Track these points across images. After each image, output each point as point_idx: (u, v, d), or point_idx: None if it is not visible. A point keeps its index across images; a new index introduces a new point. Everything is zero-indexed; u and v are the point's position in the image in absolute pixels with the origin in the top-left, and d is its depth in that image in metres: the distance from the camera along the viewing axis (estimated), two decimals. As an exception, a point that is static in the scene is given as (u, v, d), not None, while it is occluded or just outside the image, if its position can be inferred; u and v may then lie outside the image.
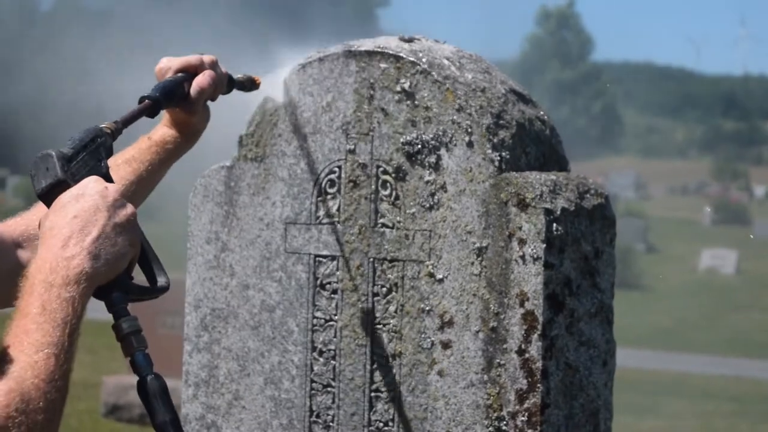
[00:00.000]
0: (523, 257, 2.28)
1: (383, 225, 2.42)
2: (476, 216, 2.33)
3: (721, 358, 17.00)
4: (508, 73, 2.61)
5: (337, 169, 2.47)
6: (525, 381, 2.27)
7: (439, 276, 2.36)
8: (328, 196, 2.48)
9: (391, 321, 2.41)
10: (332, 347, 2.47)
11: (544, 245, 2.27)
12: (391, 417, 2.41)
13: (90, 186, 1.77)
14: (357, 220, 2.45)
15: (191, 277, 2.64)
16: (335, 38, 2.55)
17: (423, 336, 2.37)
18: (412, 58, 2.41)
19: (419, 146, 2.38)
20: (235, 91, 2.39)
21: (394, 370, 2.40)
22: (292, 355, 2.52)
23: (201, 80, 2.21)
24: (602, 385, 2.41)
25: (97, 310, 2.00)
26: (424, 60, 2.40)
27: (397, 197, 2.41)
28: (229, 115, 2.47)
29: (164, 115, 2.28)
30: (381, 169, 2.42)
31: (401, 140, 2.40)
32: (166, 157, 2.28)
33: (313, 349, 2.49)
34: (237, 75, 2.39)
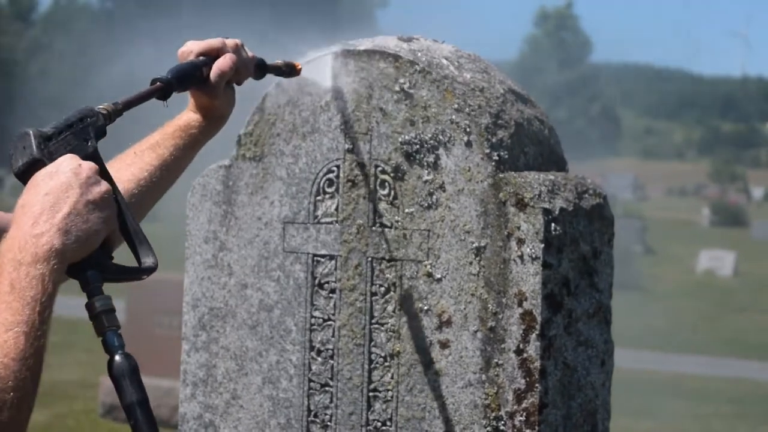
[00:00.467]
0: (521, 257, 2.28)
1: (381, 224, 2.42)
2: (475, 216, 2.33)
3: (719, 359, 17.01)
4: (506, 74, 2.61)
5: (335, 169, 2.47)
6: (523, 381, 2.27)
7: (438, 275, 2.36)
8: (327, 196, 2.48)
9: (390, 320, 2.41)
10: (330, 347, 2.47)
11: (543, 245, 2.27)
12: (389, 416, 2.41)
13: (64, 164, 1.76)
14: (355, 219, 2.44)
15: (189, 277, 2.64)
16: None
17: (421, 336, 2.37)
18: (410, 58, 2.41)
19: (418, 146, 2.38)
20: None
21: (392, 370, 2.40)
22: (290, 354, 2.52)
23: (221, 63, 2.18)
24: (600, 385, 2.41)
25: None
26: (422, 59, 2.40)
27: (395, 197, 2.41)
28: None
29: (189, 100, 2.26)
30: (379, 168, 2.42)
31: (400, 140, 2.40)
32: (192, 142, 2.25)
33: (311, 348, 2.49)
34: (276, 60, 2.34)
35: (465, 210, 2.34)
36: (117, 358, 1.74)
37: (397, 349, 2.40)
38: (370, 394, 2.43)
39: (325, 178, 2.48)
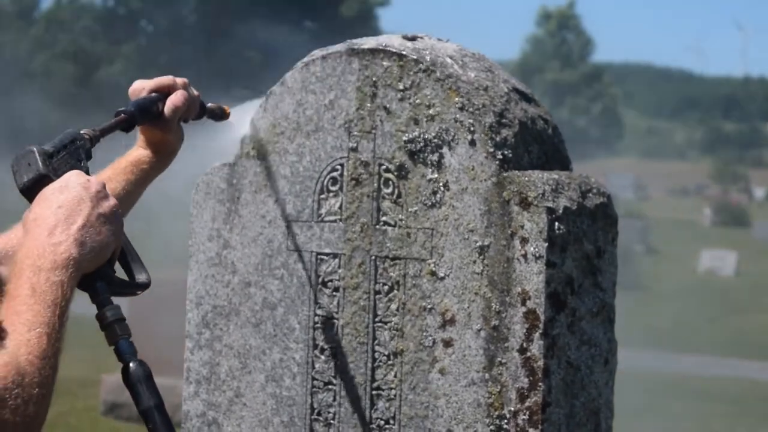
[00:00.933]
0: (525, 256, 2.28)
1: (385, 223, 2.42)
2: (478, 214, 2.33)
3: (721, 359, 17.00)
4: (509, 73, 2.61)
5: (339, 167, 2.47)
6: (526, 380, 2.27)
7: (441, 274, 2.36)
8: (330, 194, 2.48)
9: (393, 319, 2.41)
10: (334, 345, 2.47)
11: (546, 244, 2.27)
12: (392, 415, 2.41)
13: (72, 179, 1.83)
14: (359, 218, 2.45)
15: (193, 275, 2.64)
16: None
17: (424, 334, 2.37)
18: (414, 57, 2.41)
19: (422, 144, 2.38)
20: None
21: (396, 368, 2.40)
22: (294, 352, 2.52)
23: (175, 99, 2.28)
24: (603, 384, 2.41)
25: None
26: (427, 58, 2.40)
27: (399, 195, 2.41)
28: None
29: (139, 137, 2.33)
30: (383, 167, 2.42)
31: (404, 138, 2.40)
32: (142, 177, 2.34)
33: (315, 346, 2.50)
34: (209, 104, 2.44)
35: (469, 209, 2.34)
36: (132, 365, 1.80)
37: (401, 347, 2.40)
38: (374, 392, 2.43)
39: (329, 177, 2.48)
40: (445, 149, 2.36)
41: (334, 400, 2.47)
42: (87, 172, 1.92)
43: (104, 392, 10.70)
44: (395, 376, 2.40)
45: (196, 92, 2.36)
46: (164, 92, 2.29)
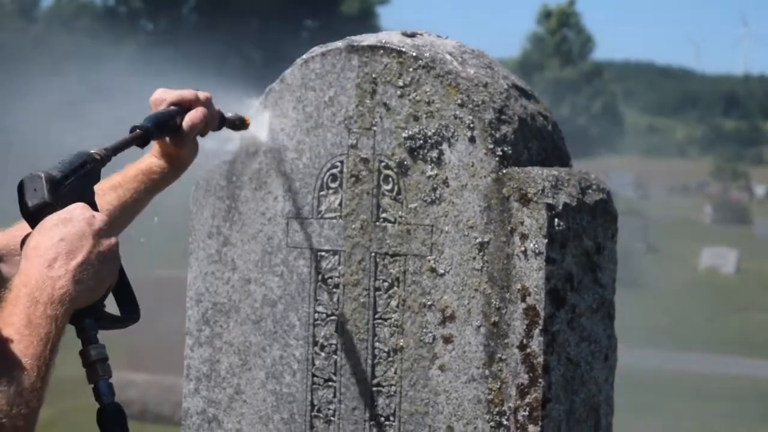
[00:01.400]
0: (524, 252, 2.28)
1: (385, 220, 2.42)
2: (478, 211, 2.33)
3: (721, 357, 17.00)
4: (508, 70, 2.61)
5: (339, 164, 2.47)
6: (526, 376, 2.27)
7: (441, 271, 2.36)
8: (330, 191, 2.48)
9: (393, 315, 2.41)
10: (334, 342, 2.47)
11: (546, 240, 2.27)
12: (392, 411, 2.41)
13: (77, 212, 1.81)
14: (359, 214, 2.45)
15: (193, 272, 2.64)
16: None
17: (424, 331, 2.37)
18: (414, 53, 2.41)
19: (421, 141, 2.38)
20: None
21: (396, 365, 2.40)
22: (294, 349, 2.52)
23: (194, 116, 2.28)
24: (603, 381, 2.42)
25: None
26: (426, 55, 2.40)
27: (399, 192, 2.41)
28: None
29: (153, 145, 2.33)
30: (383, 163, 2.42)
31: (403, 135, 2.40)
32: (152, 187, 2.34)
33: (315, 343, 2.50)
34: (228, 114, 2.44)
35: (468, 205, 2.34)
36: (108, 407, 1.83)
37: (401, 344, 2.40)
38: (374, 389, 2.43)
39: (328, 174, 2.48)
40: (444, 146, 2.36)
41: (334, 396, 2.47)
42: (93, 199, 1.91)
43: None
44: (395, 373, 2.41)
45: (217, 107, 2.36)
46: (185, 106, 2.29)
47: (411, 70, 2.40)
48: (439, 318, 2.36)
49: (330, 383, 2.48)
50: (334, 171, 2.47)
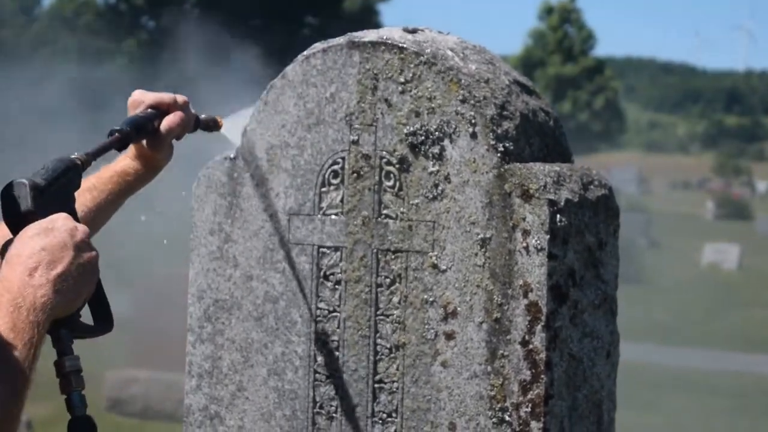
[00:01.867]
0: (526, 248, 2.28)
1: (387, 216, 2.42)
2: (480, 207, 2.33)
3: (723, 353, 17.00)
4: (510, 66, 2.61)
5: (340, 160, 2.47)
6: (529, 372, 2.27)
7: (443, 267, 2.36)
8: (332, 187, 2.48)
9: (395, 312, 2.41)
10: (335, 338, 2.47)
11: (548, 236, 2.27)
12: (394, 408, 2.41)
13: (60, 222, 1.82)
14: (360, 211, 2.44)
15: (194, 268, 2.64)
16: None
17: (426, 327, 2.37)
18: (415, 49, 2.40)
19: (423, 137, 2.38)
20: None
21: (398, 361, 2.40)
22: (296, 346, 2.52)
23: (171, 120, 2.30)
24: (606, 377, 2.41)
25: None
26: (427, 51, 2.40)
27: (400, 188, 2.41)
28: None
29: (130, 147, 2.32)
30: (384, 159, 2.42)
31: (405, 131, 2.40)
32: (126, 189, 2.35)
33: (317, 340, 2.49)
34: (202, 115, 2.45)
35: (470, 201, 2.34)
36: (80, 419, 1.83)
37: (403, 340, 2.40)
38: (376, 385, 2.43)
39: (330, 170, 2.48)
40: (446, 142, 2.36)
41: (337, 393, 2.47)
42: (73, 207, 1.92)
43: (107, 388, 10.72)
44: (397, 369, 2.40)
45: (193, 111, 2.37)
46: (162, 109, 2.30)
47: (412, 66, 2.40)
48: (441, 314, 2.36)
49: (332, 380, 2.48)
50: (336, 167, 2.47)
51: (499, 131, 2.34)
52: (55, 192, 1.88)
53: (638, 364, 13.68)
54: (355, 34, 2.51)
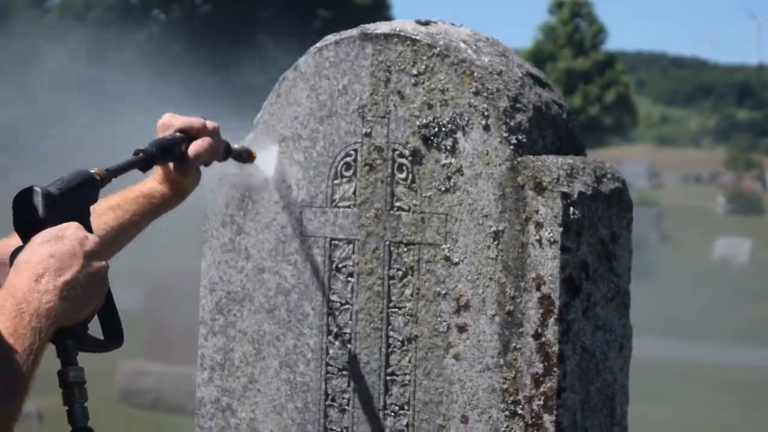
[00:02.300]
0: (539, 241, 2.27)
1: (399, 208, 2.42)
2: (493, 199, 2.32)
3: (734, 347, 16.96)
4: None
5: (353, 153, 2.46)
6: (541, 365, 2.27)
7: (456, 259, 2.35)
8: (344, 179, 2.48)
9: (407, 304, 2.40)
10: (348, 331, 2.47)
11: (561, 229, 2.26)
12: (406, 401, 2.40)
13: (70, 231, 1.81)
14: (373, 203, 2.44)
15: (206, 261, 2.64)
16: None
17: (439, 319, 2.37)
18: (428, 41, 2.40)
19: (436, 129, 2.37)
20: None
21: (410, 354, 2.40)
22: (308, 338, 2.51)
23: (199, 145, 2.27)
24: (618, 370, 2.41)
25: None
26: (440, 43, 2.39)
27: (413, 180, 2.40)
28: None
29: (156, 170, 2.31)
30: (397, 152, 2.42)
31: (417, 123, 2.39)
32: (151, 211, 2.33)
33: (329, 332, 2.49)
34: (234, 145, 2.43)
35: (483, 194, 2.33)
36: (81, 431, 1.81)
37: (415, 333, 2.40)
38: (388, 378, 2.43)
39: (342, 162, 2.48)
40: (459, 134, 2.36)
41: (349, 386, 2.47)
42: (88, 220, 1.91)
43: (120, 380, 10.74)
44: (409, 362, 2.40)
45: (223, 138, 2.35)
46: (191, 134, 2.27)
47: (425, 58, 2.39)
48: (453, 307, 2.35)
49: (344, 372, 2.47)
50: (348, 159, 2.47)
51: (512, 123, 2.33)
52: (69, 203, 1.87)
53: (649, 358, 13.66)
54: (367, 26, 2.50)
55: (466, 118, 2.35)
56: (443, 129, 2.37)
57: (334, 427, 2.49)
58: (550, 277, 2.26)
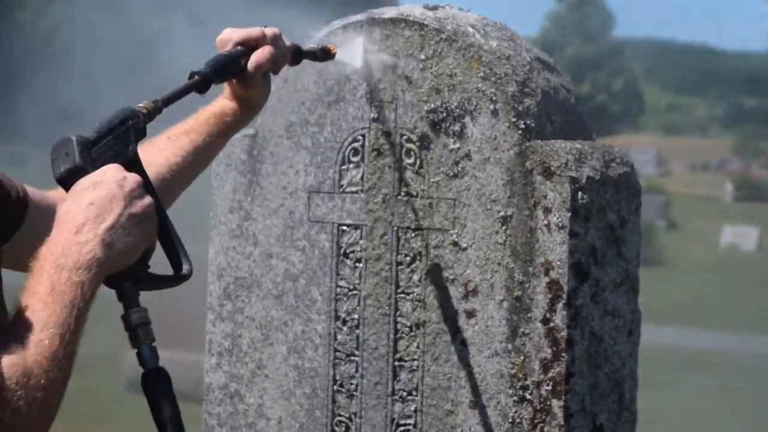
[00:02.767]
0: (548, 226, 2.27)
1: (407, 194, 2.41)
2: (501, 184, 2.31)
3: (742, 334, 16.96)
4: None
5: (360, 138, 2.46)
6: (549, 350, 2.26)
7: (464, 245, 2.35)
8: (352, 165, 2.47)
9: (415, 290, 2.40)
10: (356, 316, 2.46)
11: (569, 214, 2.25)
12: (414, 386, 2.40)
13: (108, 174, 1.75)
14: (381, 188, 2.43)
15: (214, 246, 2.64)
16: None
17: (447, 305, 2.36)
18: (436, 26, 2.39)
19: (444, 114, 2.37)
20: None
21: (418, 340, 2.40)
22: (316, 324, 2.51)
23: (259, 56, 2.16)
24: (627, 355, 2.40)
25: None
26: (448, 27, 2.39)
27: (421, 166, 2.40)
28: None
29: (225, 88, 2.25)
30: (405, 137, 2.41)
31: (425, 108, 2.38)
32: (225, 130, 2.25)
33: (337, 318, 2.49)
34: (309, 45, 2.35)
35: (491, 179, 2.32)
36: (152, 372, 1.76)
37: (423, 318, 2.39)
38: (396, 363, 2.42)
39: (350, 147, 2.47)
40: (467, 119, 2.35)
41: (357, 371, 2.47)
42: (134, 156, 1.84)
43: (127, 368, 10.75)
44: (418, 348, 2.40)
45: (288, 41, 2.24)
46: (250, 45, 2.17)
47: (433, 42, 2.38)
48: (461, 292, 2.35)
49: (352, 358, 2.47)
50: (356, 145, 2.46)
51: (520, 108, 2.32)
52: (109, 144, 1.80)
53: (657, 345, 13.65)
54: (374, 10, 2.49)
55: (474, 103, 2.34)
56: (451, 114, 2.36)
57: (342, 413, 2.49)
58: (558, 262, 2.25)
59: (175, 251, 1.88)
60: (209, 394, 2.65)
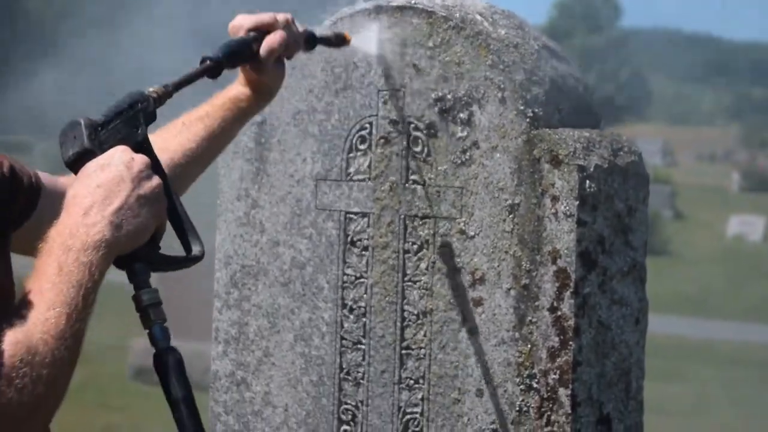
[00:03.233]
0: (555, 214, 2.26)
1: (414, 182, 2.41)
2: (508, 173, 2.31)
3: (748, 324, 16.94)
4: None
5: (368, 126, 2.45)
6: (557, 339, 2.26)
7: (471, 233, 2.34)
8: (359, 153, 2.47)
9: (422, 278, 2.40)
10: (363, 304, 2.46)
11: (577, 202, 2.25)
12: (421, 374, 2.40)
13: (116, 156, 1.76)
14: (388, 176, 2.43)
15: (221, 234, 2.63)
16: None
17: (454, 293, 2.36)
18: (444, 14, 2.38)
19: (451, 102, 2.36)
20: None
21: (425, 328, 2.39)
22: (323, 312, 2.51)
23: (271, 40, 2.16)
24: (634, 344, 2.40)
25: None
26: (456, 15, 2.38)
27: (428, 154, 2.39)
28: None
29: (239, 73, 2.25)
30: (412, 125, 2.40)
31: (433, 96, 2.38)
32: (240, 115, 2.25)
33: (344, 306, 2.49)
34: (325, 32, 2.35)
35: (499, 167, 2.32)
36: (164, 352, 1.76)
37: (430, 306, 2.39)
38: (403, 351, 2.42)
39: (357, 135, 2.47)
40: (474, 107, 2.34)
41: (363, 359, 2.47)
42: (143, 139, 1.84)
43: (132, 357, 10.76)
44: (425, 336, 2.39)
45: (300, 27, 2.24)
46: (263, 31, 2.16)
47: (441, 30, 2.38)
48: (468, 280, 2.35)
49: (359, 346, 2.47)
50: (363, 133, 2.46)
51: (528, 96, 2.32)
52: (117, 127, 1.80)
53: (663, 335, 13.65)
54: (382, -2, 2.49)
55: (482, 91, 2.34)
56: (459, 102, 2.35)
57: (348, 401, 2.49)
58: (566, 251, 2.25)
59: (185, 233, 1.88)
60: (216, 382, 2.65)
